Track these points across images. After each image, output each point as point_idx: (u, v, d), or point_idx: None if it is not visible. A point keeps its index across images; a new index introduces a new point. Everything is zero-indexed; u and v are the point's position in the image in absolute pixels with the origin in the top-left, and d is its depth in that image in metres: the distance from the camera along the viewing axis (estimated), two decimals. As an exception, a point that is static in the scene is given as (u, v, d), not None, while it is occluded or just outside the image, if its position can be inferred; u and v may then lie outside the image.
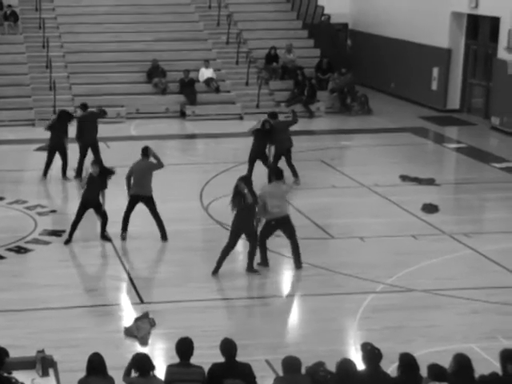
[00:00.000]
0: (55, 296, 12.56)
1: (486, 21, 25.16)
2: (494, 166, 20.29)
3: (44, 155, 18.99)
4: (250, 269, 13.45)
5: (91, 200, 14.75)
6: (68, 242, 14.76)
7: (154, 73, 26.24)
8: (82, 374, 8.30)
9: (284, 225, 13.55)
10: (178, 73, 26.25)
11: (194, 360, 8.49)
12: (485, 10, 24.35)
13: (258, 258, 13.60)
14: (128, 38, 27.71)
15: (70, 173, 18.73)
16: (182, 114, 25.73)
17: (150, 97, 26.00)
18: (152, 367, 8.35)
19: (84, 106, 19.32)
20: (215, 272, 13.32)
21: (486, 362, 9.87)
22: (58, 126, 18.66)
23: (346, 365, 8.33)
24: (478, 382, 8.33)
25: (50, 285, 12.98)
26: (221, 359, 8.57)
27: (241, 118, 25.43)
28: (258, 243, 13.50)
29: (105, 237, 14.92)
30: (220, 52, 27.82)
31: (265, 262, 13.69)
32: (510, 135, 23.34)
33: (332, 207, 17.27)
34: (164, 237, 14.95)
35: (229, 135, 23.05)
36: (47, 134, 19.05)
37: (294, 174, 18.27)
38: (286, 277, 13.69)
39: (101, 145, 20.25)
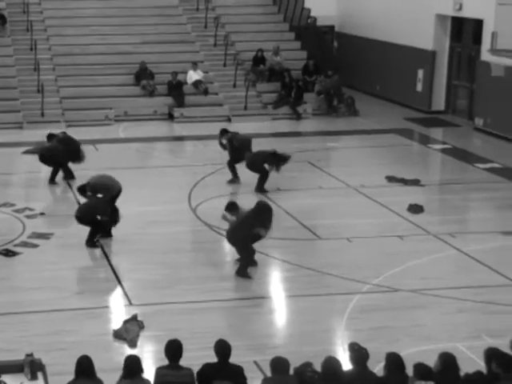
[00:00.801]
0: (44, 299, 12.56)
1: (470, 23, 25.38)
2: (478, 166, 20.45)
3: (32, 158, 19.01)
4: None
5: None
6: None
7: (142, 75, 26.28)
8: (71, 377, 8.36)
9: None
10: (166, 75, 26.29)
11: (183, 362, 8.57)
12: (468, 12, 24.55)
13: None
14: (116, 41, 27.73)
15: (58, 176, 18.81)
16: (170, 116, 25.79)
17: (138, 99, 26.03)
18: (140, 370, 8.41)
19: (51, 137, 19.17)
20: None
21: (471, 361, 9.94)
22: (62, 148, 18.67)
23: (330, 362, 8.45)
24: (463, 381, 8.45)
25: (38, 288, 12.98)
26: (210, 361, 8.66)
27: (229, 120, 25.52)
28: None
29: (93, 243, 14.90)
30: (208, 54, 27.89)
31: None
32: (494, 136, 23.52)
33: (319, 208, 17.35)
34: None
35: (217, 137, 23.12)
36: (35, 137, 19.04)
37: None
38: (273, 278, 13.78)
39: (89, 147, 20.34)
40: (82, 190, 15.68)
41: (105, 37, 27.87)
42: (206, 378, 8.48)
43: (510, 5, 19.64)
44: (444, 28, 26.29)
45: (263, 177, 17.88)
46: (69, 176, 18.69)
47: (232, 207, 13.87)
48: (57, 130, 19.10)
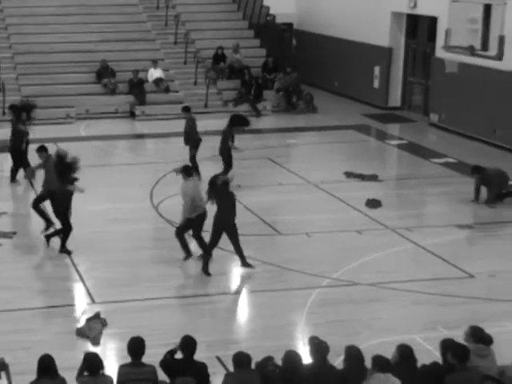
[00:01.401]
0: (6, 298, 12.55)
1: (425, 20, 25.73)
2: (433, 161, 20.76)
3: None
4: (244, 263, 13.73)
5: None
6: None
7: (104, 73, 26.28)
8: (35, 376, 8.41)
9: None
10: (127, 73, 26.33)
11: (145, 359, 8.65)
12: (423, 9, 24.93)
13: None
14: (76, 39, 27.64)
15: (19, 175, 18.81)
16: (132, 114, 25.83)
17: (99, 97, 26.03)
18: (101, 366, 8.46)
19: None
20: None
21: (428, 352, 10.14)
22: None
23: (290, 356, 8.63)
24: (420, 372, 8.65)
25: (1, 287, 12.97)
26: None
27: (190, 118, 25.62)
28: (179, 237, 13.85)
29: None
30: (168, 52, 27.95)
31: (189, 252, 13.98)
32: (448, 131, 23.86)
33: (279, 204, 17.52)
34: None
35: (178, 134, 23.14)
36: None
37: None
38: (234, 274, 13.88)
39: (51, 145, 20.26)
40: (43, 148, 15.91)
41: (65, 35, 27.78)
42: (171, 370, 8.63)
43: (464, 2, 19.91)
44: (399, 25, 26.63)
45: (225, 170, 18.11)
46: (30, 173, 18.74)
47: (186, 170, 14.11)
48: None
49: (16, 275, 13.53)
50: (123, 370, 8.60)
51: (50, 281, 13.56)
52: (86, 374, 8.48)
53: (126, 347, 8.72)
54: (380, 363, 8.37)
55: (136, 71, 26.16)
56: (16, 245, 15.01)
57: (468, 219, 16.42)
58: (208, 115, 25.49)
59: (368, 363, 8.55)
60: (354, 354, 8.68)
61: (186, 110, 19.56)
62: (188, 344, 8.80)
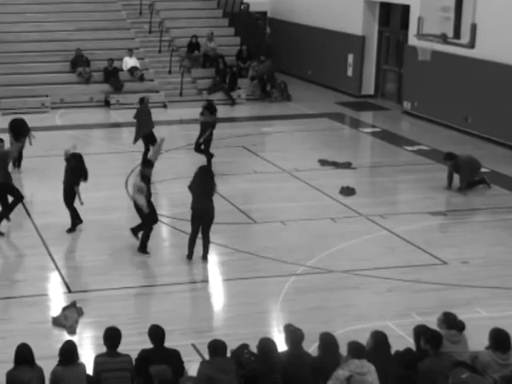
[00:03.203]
0: (-18, 288, 12.56)
1: (397, 8, 25.85)
2: (406, 148, 20.90)
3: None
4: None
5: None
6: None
7: (78, 62, 26.22)
8: (11, 365, 8.42)
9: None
10: (102, 62, 26.29)
11: (121, 348, 8.67)
12: (396, -3, 25.13)
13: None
14: (51, 28, 27.59)
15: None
16: (107, 103, 25.81)
17: (74, 86, 25.97)
18: (77, 356, 8.46)
19: None
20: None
21: (401, 339, 10.27)
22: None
23: (265, 344, 8.70)
24: (394, 358, 8.74)
25: (-22, 277, 12.95)
26: (148, 346, 8.80)
27: (165, 106, 25.63)
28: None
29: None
30: (143, 41, 27.95)
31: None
32: (421, 119, 24.04)
33: (254, 192, 17.59)
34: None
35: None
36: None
37: None
38: (210, 262, 13.90)
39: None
40: None
41: (40, 24, 27.71)
42: (145, 363, 8.57)
43: (436, -10, 20.03)
44: (373, 13, 26.73)
45: (208, 161, 18.32)
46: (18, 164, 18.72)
47: (148, 164, 14.15)
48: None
49: (-9, 265, 13.51)
50: (99, 359, 8.61)
51: (26, 270, 13.54)
52: (59, 363, 8.45)
53: (102, 337, 8.74)
54: (355, 349, 8.43)
55: (111, 60, 26.10)
56: (-9, 235, 14.97)
57: (441, 206, 16.56)
58: (183, 104, 25.51)
59: (343, 350, 8.62)
60: (328, 341, 8.75)
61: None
62: (155, 333, 8.82)
